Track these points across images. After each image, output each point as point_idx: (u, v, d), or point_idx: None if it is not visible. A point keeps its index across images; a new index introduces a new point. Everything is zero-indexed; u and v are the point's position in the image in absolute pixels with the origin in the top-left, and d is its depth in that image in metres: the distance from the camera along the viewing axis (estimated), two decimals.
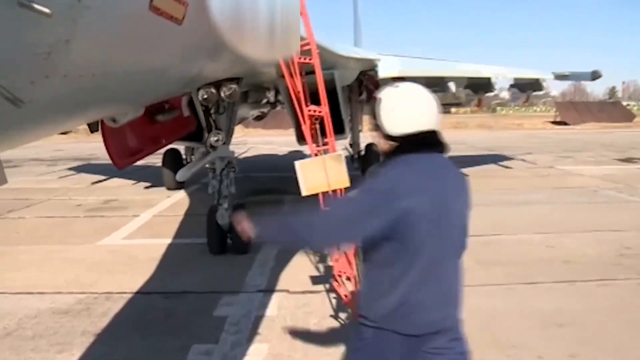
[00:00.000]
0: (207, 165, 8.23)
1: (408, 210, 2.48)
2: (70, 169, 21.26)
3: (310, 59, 5.04)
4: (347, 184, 4.81)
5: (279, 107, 15.90)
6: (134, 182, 17.03)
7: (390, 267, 2.58)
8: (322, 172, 4.58)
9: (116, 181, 17.24)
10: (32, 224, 11.45)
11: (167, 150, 15.21)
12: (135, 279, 7.26)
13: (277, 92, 14.17)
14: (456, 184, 2.72)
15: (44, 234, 10.38)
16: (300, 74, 5.00)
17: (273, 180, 16.88)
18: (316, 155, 4.99)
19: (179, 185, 14.87)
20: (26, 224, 11.42)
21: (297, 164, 4.84)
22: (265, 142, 32.69)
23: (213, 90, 7.62)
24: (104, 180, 17.60)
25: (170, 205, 13.22)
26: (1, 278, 7.61)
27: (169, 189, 15.21)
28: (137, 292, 6.81)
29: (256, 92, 12.69)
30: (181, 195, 14.38)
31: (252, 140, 34.20)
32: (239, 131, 35.79)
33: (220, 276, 7.51)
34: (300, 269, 7.59)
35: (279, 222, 2.83)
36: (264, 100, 14.15)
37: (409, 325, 2.57)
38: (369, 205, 2.55)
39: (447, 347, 2.60)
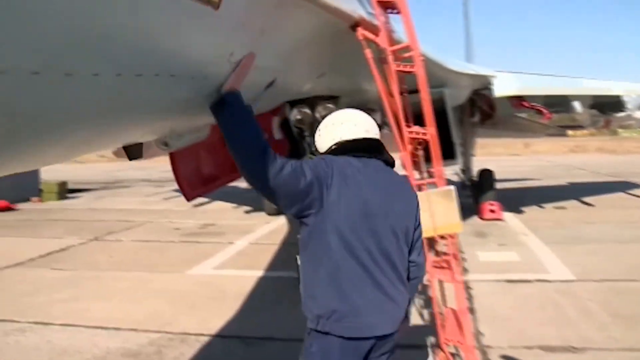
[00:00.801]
0: None
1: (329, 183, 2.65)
2: (175, 190, 21.34)
3: (412, 67, 4.10)
4: (459, 228, 3.77)
5: (386, 130, 15.00)
6: (235, 205, 16.70)
7: (318, 264, 2.67)
8: (425, 213, 3.60)
9: (217, 204, 16.99)
10: (128, 248, 11.21)
11: None
12: (218, 318, 6.55)
13: (383, 114, 13.33)
14: (392, 188, 2.84)
15: (136, 260, 10.04)
16: (400, 86, 4.02)
17: None
18: (419, 189, 4.00)
19: (279, 211, 14.27)
20: (122, 248, 11.20)
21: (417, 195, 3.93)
22: None
23: (307, 110, 6.87)
24: (206, 203, 17.39)
25: (268, 232, 12.61)
26: (83, 308, 7.19)
27: (269, 214, 14.64)
28: (217, 335, 6.08)
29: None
30: (281, 222, 13.75)
31: None
32: None
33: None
34: None
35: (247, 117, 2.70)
36: None
37: (342, 328, 2.61)
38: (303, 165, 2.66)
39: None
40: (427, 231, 3.63)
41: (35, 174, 20.78)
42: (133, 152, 3.03)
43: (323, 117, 6.88)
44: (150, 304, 7.28)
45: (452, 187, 3.71)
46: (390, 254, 2.71)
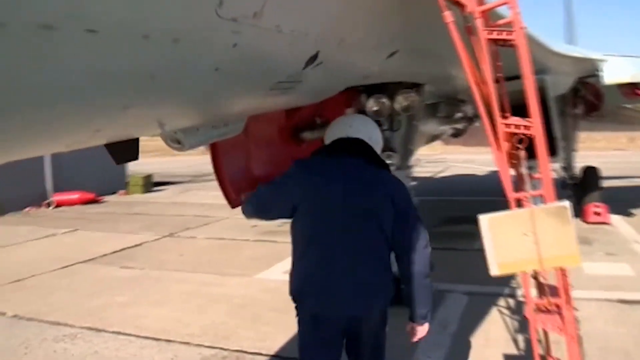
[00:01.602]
0: None
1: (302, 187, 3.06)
2: None
3: (509, 35, 2.79)
4: (577, 261, 2.71)
5: (477, 123, 13.79)
6: None
7: (296, 244, 3.13)
8: (527, 238, 2.67)
9: None
10: (200, 246, 10.76)
11: None
12: (281, 334, 5.81)
13: (474, 105, 12.18)
14: (361, 181, 3.10)
15: (205, 260, 9.53)
16: (494, 62, 2.98)
17: (470, 205, 14.78)
18: (519, 204, 3.01)
19: None
20: (194, 246, 10.76)
21: (484, 220, 2.92)
22: (465, 160, 30.32)
23: (385, 101, 6.01)
24: None
25: None
26: (139, 314, 6.68)
27: None
28: (276, 356, 5.36)
29: (448, 104, 10.78)
30: None
31: (451, 158, 31.98)
32: (437, 148, 34.00)
33: (388, 337, 5.81)
34: (493, 339, 5.64)
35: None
36: (459, 115, 12.17)
37: (313, 304, 3.03)
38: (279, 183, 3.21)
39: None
40: (528, 262, 2.69)
41: (123, 166, 21.02)
42: (123, 152, 2.30)
43: (404, 109, 6.04)
44: (209, 313, 6.66)
45: (566, 204, 2.70)
46: (358, 244, 2.99)
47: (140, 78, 1.62)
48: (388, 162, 6.36)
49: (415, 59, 4.24)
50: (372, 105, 6.04)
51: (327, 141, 3.36)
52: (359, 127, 3.35)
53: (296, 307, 3.13)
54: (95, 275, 8.74)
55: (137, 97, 1.70)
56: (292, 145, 4.93)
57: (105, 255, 10.15)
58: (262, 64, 2.07)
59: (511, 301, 6.72)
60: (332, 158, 3.18)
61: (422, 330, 3.34)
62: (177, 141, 2.48)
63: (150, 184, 21.31)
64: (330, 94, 3.59)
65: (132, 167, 21.63)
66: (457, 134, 16.88)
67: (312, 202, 3.00)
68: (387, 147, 6.38)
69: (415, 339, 3.37)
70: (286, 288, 5.76)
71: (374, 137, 3.45)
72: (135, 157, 2.40)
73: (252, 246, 10.59)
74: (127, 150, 2.27)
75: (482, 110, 2.93)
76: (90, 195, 18.00)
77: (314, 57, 2.40)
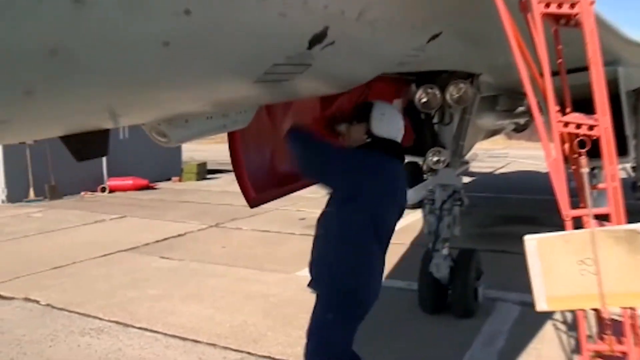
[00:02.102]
0: (424, 195, 6.12)
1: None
2: None
3: (571, 8, 2.17)
4: None
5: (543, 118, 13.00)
6: None
7: None
8: (586, 267, 2.11)
9: None
10: (244, 238, 10.48)
11: (407, 162, 13.18)
12: None
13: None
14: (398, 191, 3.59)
15: (247, 253, 9.23)
16: (554, 43, 2.40)
17: (529, 204, 14.00)
18: (577, 223, 2.43)
19: (418, 204, 12.81)
20: (238, 237, 10.49)
21: (530, 242, 2.37)
22: (528, 156, 29.13)
23: (436, 92, 5.51)
24: None
25: (399, 228, 11.17)
26: (169, 310, 6.43)
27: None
28: None
29: (509, 97, 10.10)
30: (416, 217, 12.31)
31: (513, 154, 30.80)
32: (500, 142, 32.84)
33: (426, 350, 5.35)
34: (546, 356, 5.11)
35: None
36: (520, 109, 11.45)
37: None
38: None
39: None
40: (587, 299, 2.15)
41: (178, 153, 21.09)
42: (86, 148, 1.91)
43: (456, 101, 5.51)
44: (242, 312, 6.33)
45: (639, 227, 2.14)
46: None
47: (61, 54, 1.23)
48: (435, 159, 5.92)
49: (464, 44, 3.73)
50: (420, 96, 5.56)
51: (385, 135, 3.55)
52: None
53: None
54: (133, 265, 8.56)
55: (49, 79, 1.30)
56: (327, 139, 4.52)
57: (147, 244, 9.98)
58: (237, 40, 1.64)
59: (569, 315, 6.11)
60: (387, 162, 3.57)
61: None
62: (163, 134, 2.10)
63: (205, 171, 21.26)
64: (357, 82, 3.14)
65: (188, 153, 21.65)
66: (519, 129, 16.07)
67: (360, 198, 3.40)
68: (436, 143, 5.89)
69: None
70: None
71: None
72: (102, 152, 2.03)
73: (297, 240, 10.22)
74: (90, 145, 1.90)
75: (533, 104, 2.39)
76: (144, 182, 18.04)
77: (321, 35, 1.95)
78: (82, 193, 16.91)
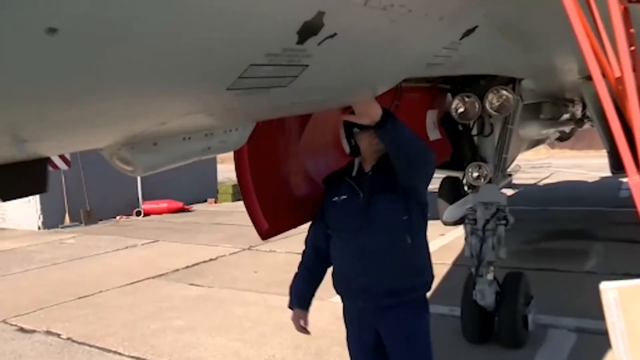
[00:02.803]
0: (465, 213, 5.58)
1: None
2: None
3: None
4: None
5: (587, 125, 12.29)
6: None
7: None
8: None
9: None
10: (277, 261, 10.03)
11: (446, 177, 12.57)
12: None
13: (584, 106, 10.73)
14: None
15: (279, 279, 8.73)
16: (625, 19, 1.95)
17: (577, 217, 13.23)
18: None
19: (460, 221, 12.14)
20: (271, 261, 10.06)
21: (609, 292, 1.82)
22: (573, 165, 28.11)
23: (474, 100, 5.02)
24: None
25: (440, 247, 10.65)
26: (192, 344, 6.03)
27: (445, 223, 12.54)
28: None
29: (554, 105, 9.49)
30: (458, 234, 11.69)
31: (557, 164, 29.77)
32: (542, 152, 31.82)
33: None
34: None
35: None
36: (565, 116, 10.79)
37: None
38: None
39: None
40: None
41: (214, 174, 20.92)
42: (16, 184, 1.49)
43: (497, 110, 4.99)
44: (271, 345, 5.88)
45: None
46: None
47: None
48: (476, 174, 5.40)
49: (505, 42, 3.24)
50: (457, 105, 5.07)
51: None
52: None
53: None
54: (161, 293, 8.21)
55: None
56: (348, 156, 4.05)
57: (177, 270, 9.65)
58: (185, 30, 1.19)
59: None
60: None
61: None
62: (126, 161, 1.68)
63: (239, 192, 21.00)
64: (375, 90, 2.65)
65: (224, 174, 21.43)
66: (564, 138, 15.31)
67: None
68: (476, 156, 5.38)
69: None
70: None
71: None
72: (38, 188, 1.60)
73: None
74: (21, 179, 1.47)
75: (610, 110, 1.83)
76: (179, 204, 17.86)
77: (314, 24, 1.49)
78: (118, 217, 16.82)
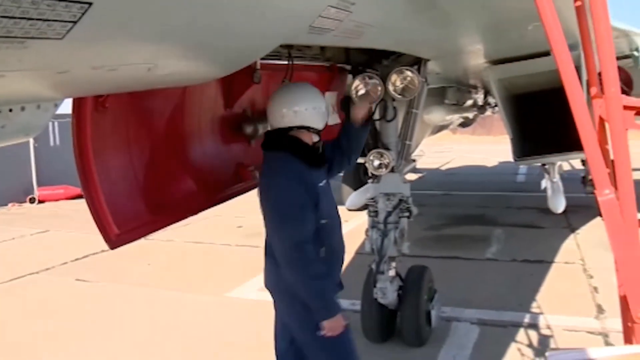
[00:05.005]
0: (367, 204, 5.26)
1: None
2: None
3: None
4: None
5: (488, 112, 12.39)
6: None
7: None
8: None
9: None
10: (174, 251, 9.48)
11: None
12: None
13: (487, 93, 10.75)
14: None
15: (174, 271, 8.27)
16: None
17: (478, 202, 13.39)
18: None
19: (364, 206, 11.91)
20: (168, 251, 9.50)
21: None
22: (473, 150, 28.84)
23: (376, 82, 4.66)
24: None
25: (345, 234, 10.35)
26: (61, 355, 5.39)
27: (349, 209, 12.29)
28: None
29: (458, 90, 9.38)
30: (362, 221, 11.46)
31: (458, 149, 30.44)
32: (443, 138, 32.51)
33: None
34: None
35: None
36: (469, 102, 10.77)
37: None
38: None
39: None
40: None
41: None
42: None
43: (400, 93, 4.64)
44: (159, 351, 5.36)
45: None
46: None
47: None
48: (377, 162, 5.08)
49: (410, 11, 2.85)
50: (357, 87, 4.70)
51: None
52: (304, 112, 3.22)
53: None
54: (42, 290, 7.50)
55: None
56: (236, 144, 3.58)
57: (65, 263, 8.91)
58: None
59: (534, 335, 5.38)
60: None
61: (324, 326, 3.16)
62: None
63: None
64: (228, 58, 2.16)
65: None
66: (466, 124, 15.50)
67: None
68: (378, 143, 5.05)
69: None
70: (259, 312, 5.39)
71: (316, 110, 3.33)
72: None
73: (230, 253, 9.32)
74: None
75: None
76: (77, 190, 16.70)
77: None
78: (10, 205, 15.57)
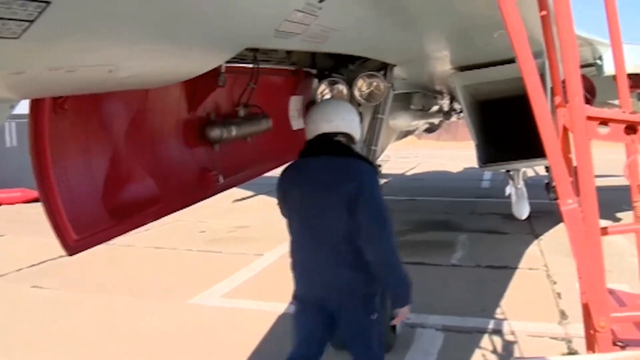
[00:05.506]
0: None
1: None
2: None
3: None
4: None
5: (454, 118, 12.48)
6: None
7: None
8: None
9: (262, 200, 14.81)
10: (134, 257, 9.27)
11: None
12: None
13: (452, 99, 10.82)
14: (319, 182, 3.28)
15: (134, 277, 8.07)
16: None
17: (443, 207, 13.49)
18: None
19: None
20: (127, 257, 9.26)
21: None
22: (438, 155, 29.13)
23: (342, 87, 4.63)
24: (250, 197, 15.30)
25: None
26: None
27: None
28: None
29: (424, 96, 9.42)
30: None
31: (424, 154, 30.70)
32: (408, 143, 32.70)
33: None
34: None
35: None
36: (434, 108, 10.83)
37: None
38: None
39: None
40: None
41: None
42: None
43: (366, 98, 4.61)
44: None
45: None
46: (323, 239, 3.27)
47: None
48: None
49: (377, 15, 2.82)
50: (323, 92, 4.66)
51: (308, 136, 3.42)
52: (338, 122, 3.34)
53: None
54: None
55: None
56: (200, 148, 3.49)
57: (20, 269, 8.65)
58: None
59: (498, 341, 5.39)
60: (306, 159, 3.38)
61: (402, 312, 3.36)
62: None
63: None
64: (196, 67, 2.11)
65: None
66: (431, 130, 15.62)
67: (288, 209, 3.42)
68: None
69: (396, 322, 3.66)
70: (222, 320, 5.54)
71: (354, 126, 3.48)
72: None
73: (194, 258, 9.18)
74: None
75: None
76: (34, 193, 16.29)
77: None
78: None
